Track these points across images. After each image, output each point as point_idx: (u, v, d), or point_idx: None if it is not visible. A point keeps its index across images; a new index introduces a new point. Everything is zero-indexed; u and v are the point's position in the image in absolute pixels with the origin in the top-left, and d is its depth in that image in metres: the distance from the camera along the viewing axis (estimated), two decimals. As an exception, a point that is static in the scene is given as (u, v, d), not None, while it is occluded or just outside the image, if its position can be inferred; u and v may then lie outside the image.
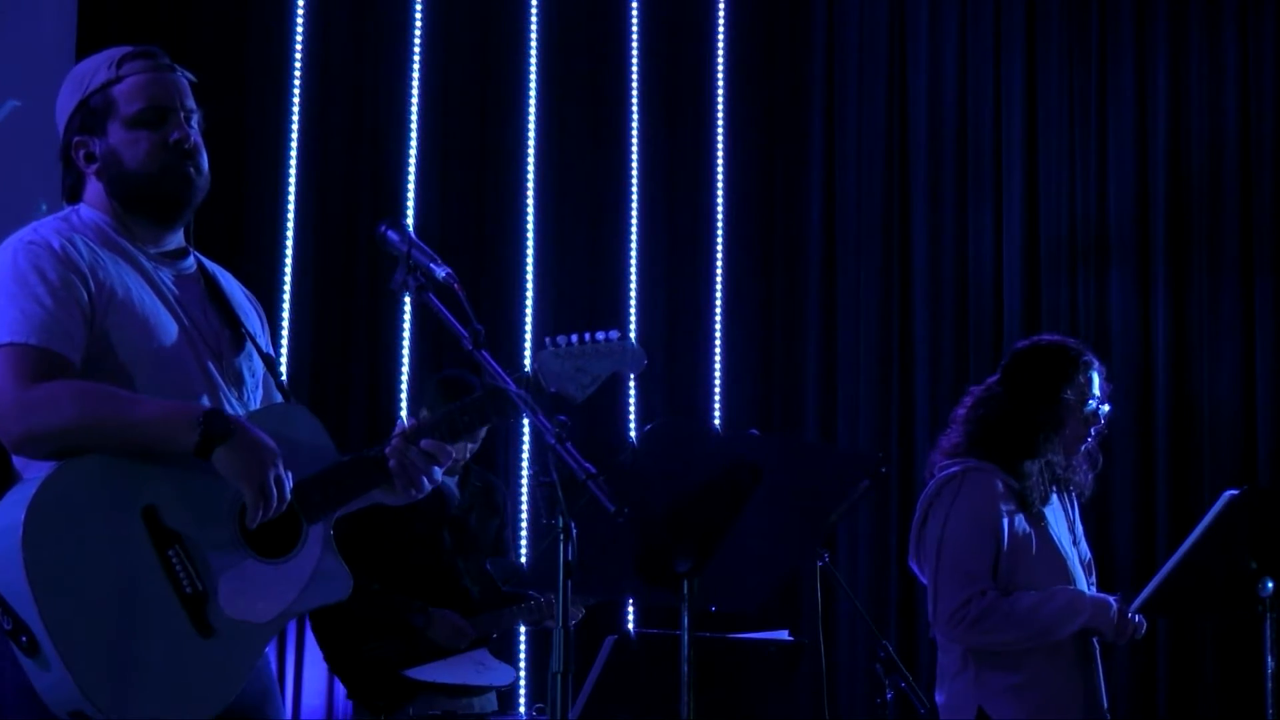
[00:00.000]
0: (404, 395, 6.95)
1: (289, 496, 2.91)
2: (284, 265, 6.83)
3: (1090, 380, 4.41)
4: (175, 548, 2.84)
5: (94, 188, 3.08)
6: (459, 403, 3.10)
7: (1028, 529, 4.31)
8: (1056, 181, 7.47)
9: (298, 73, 6.96)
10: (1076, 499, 4.51)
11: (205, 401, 2.97)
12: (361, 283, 7.03)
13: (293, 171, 6.92)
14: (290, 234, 6.87)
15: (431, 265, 3.04)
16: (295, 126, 6.94)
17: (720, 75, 7.90)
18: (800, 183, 7.94)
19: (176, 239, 3.13)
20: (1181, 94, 7.33)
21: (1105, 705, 4.39)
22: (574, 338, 3.28)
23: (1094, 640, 4.37)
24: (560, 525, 2.84)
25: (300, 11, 6.98)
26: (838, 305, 7.80)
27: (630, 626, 7.09)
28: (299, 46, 6.97)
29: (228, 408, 3.00)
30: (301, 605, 2.99)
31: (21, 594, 2.72)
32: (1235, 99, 7.23)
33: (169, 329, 3.00)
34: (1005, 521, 4.28)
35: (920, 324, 7.62)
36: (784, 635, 4.69)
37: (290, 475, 2.91)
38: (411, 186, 7.20)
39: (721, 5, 7.93)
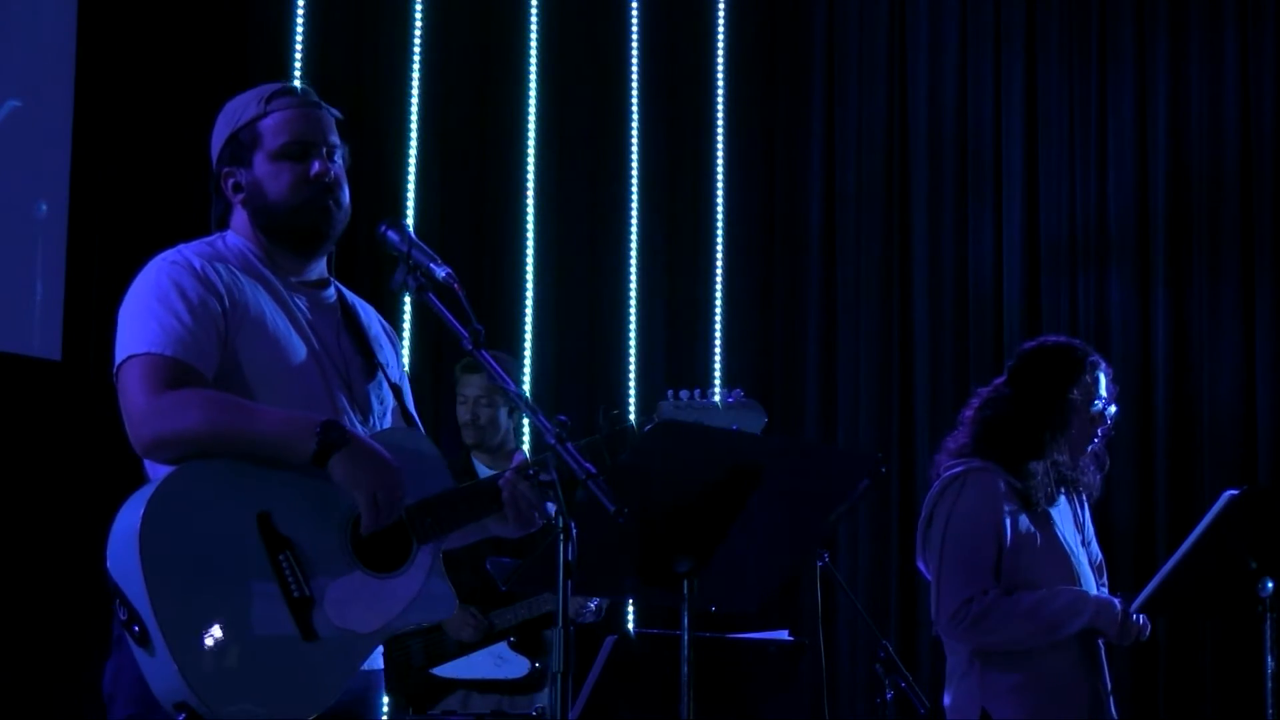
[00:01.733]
0: (404, 395, 6.95)
1: (402, 509, 3.00)
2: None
3: (1096, 381, 4.42)
4: (286, 553, 2.93)
5: (240, 216, 3.22)
6: (578, 442, 3.12)
7: (1032, 529, 4.31)
8: (1056, 181, 7.47)
9: (298, 73, 6.96)
10: (1085, 500, 4.51)
11: None
12: (361, 283, 7.01)
13: (293, 171, 6.91)
14: (290, 234, 6.86)
15: (431, 265, 3.08)
16: (295, 126, 6.93)
17: (720, 75, 7.90)
18: (800, 181, 7.94)
19: (319, 269, 3.28)
20: (1181, 94, 7.33)
21: (1112, 707, 4.39)
22: (696, 393, 3.32)
23: (1099, 642, 4.37)
24: (560, 525, 2.85)
25: (300, 11, 6.98)
26: (838, 305, 7.80)
27: (630, 626, 7.09)
28: (299, 46, 6.97)
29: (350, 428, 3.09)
30: (404, 621, 3.06)
31: (137, 586, 2.82)
32: (1235, 99, 7.23)
33: (298, 351, 3.12)
34: (1008, 521, 4.28)
35: (920, 324, 7.62)
36: (784, 635, 4.69)
37: (405, 492, 2.99)
38: (411, 186, 7.20)
39: (721, 5, 7.93)
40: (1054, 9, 7.54)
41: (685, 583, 3.26)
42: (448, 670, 5.40)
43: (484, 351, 3.02)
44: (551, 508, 3.13)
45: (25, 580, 6.03)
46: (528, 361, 7.33)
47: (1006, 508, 4.29)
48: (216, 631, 2.85)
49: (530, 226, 7.42)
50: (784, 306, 7.89)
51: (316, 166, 3.19)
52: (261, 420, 2.96)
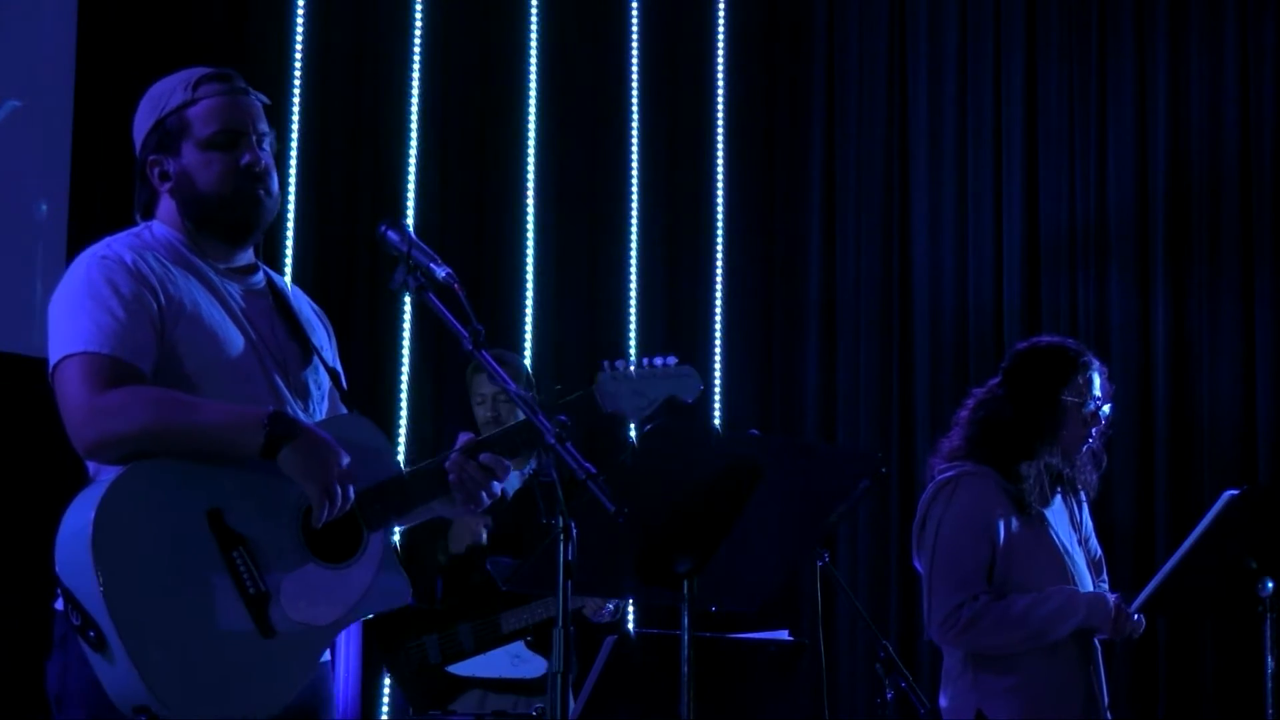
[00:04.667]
0: (404, 395, 6.95)
1: (352, 497, 2.97)
2: (284, 265, 6.83)
3: (1090, 381, 4.41)
4: (239, 549, 2.91)
5: (167, 205, 3.17)
6: (521, 420, 3.13)
7: (1024, 532, 4.31)
8: (1056, 180, 7.47)
9: (298, 73, 6.96)
10: (1085, 497, 4.50)
11: (271, 408, 3.02)
12: (361, 283, 7.03)
13: (293, 171, 6.92)
14: (290, 234, 6.87)
15: (431, 265, 3.07)
16: (295, 126, 6.94)
17: (720, 76, 7.89)
18: (800, 183, 7.93)
19: (247, 256, 3.22)
20: (1181, 94, 7.33)
21: (1106, 704, 4.39)
22: (632, 362, 3.33)
23: (1094, 639, 4.37)
24: (560, 525, 2.85)
25: (300, 11, 6.98)
26: (838, 305, 7.80)
27: (630, 626, 7.09)
28: (299, 46, 6.97)
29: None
30: (361, 611, 3.06)
31: (90, 591, 2.80)
32: (1235, 99, 7.23)
33: (235, 341, 3.08)
34: (1000, 525, 4.28)
35: (920, 324, 7.62)
36: (784, 635, 4.69)
37: (354, 477, 2.97)
38: (411, 186, 7.20)
39: (721, 6, 7.93)
40: (1054, 9, 7.54)
41: (685, 583, 3.26)
42: (464, 669, 5.40)
43: (484, 352, 3.02)
44: (498, 487, 3.14)
45: (25, 580, 6.02)
46: (528, 361, 7.33)
47: (999, 511, 4.29)
48: (174, 634, 2.83)
49: (530, 226, 7.42)
50: (784, 306, 7.89)
51: (247, 157, 3.11)
52: (207, 416, 2.93)
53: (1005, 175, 7.54)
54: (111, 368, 2.94)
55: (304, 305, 3.30)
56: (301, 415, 3.11)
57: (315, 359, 3.20)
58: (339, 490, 2.94)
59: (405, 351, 7.01)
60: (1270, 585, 4.19)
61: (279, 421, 2.93)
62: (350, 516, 3.00)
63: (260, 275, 3.24)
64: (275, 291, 3.23)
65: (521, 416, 5.75)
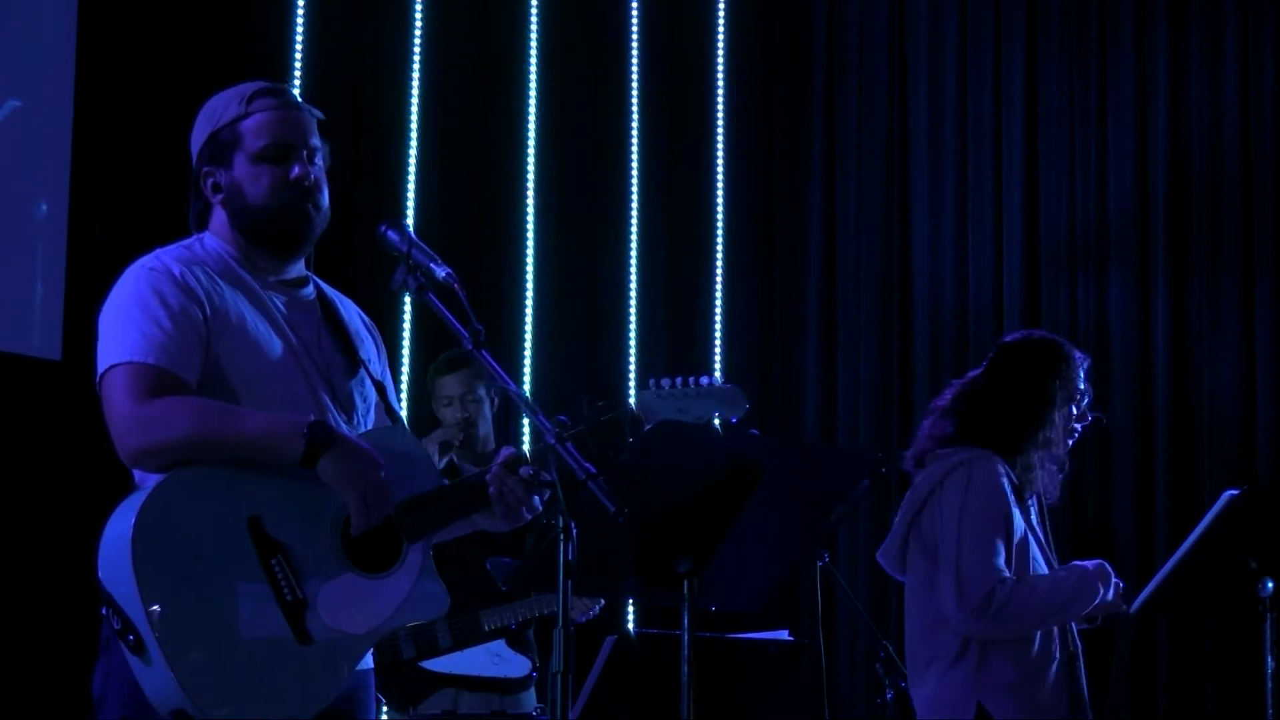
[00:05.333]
0: (404, 395, 6.95)
1: (391, 506, 3.00)
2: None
3: (1078, 376, 4.42)
4: (278, 557, 2.94)
5: (219, 217, 3.21)
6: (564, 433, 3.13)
7: (1023, 521, 4.33)
8: (1056, 181, 7.47)
9: (298, 73, 6.96)
10: (1041, 502, 4.50)
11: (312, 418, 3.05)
12: (362, 283, 7.02)
13: (293, 171, 6.91)
14: (290, 234, 6.86)
15: (431, 265, 3.08)
16: (295, 126, 6.93)
17: (720, 76, 7.89)
18: (800, 183, 7.94)
19: (297, 268, 3.25)
20: (1181, 94, 7.33)
21: (1086, 698, 4.39)
22: (677, 381, 3.36)
23: (1074, 631, 4.37)
24: (560, 525, 2.85)
25: (300, 11, 6.98)
26: (838, 305, 7.80)
27: (630, 626, 7.09)
28: (299, 46, 6.97)
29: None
30: (397, 621, 3.08)
31: (130, 595, 2.83)
32: (1235, 99, 7.23)
33: (279, 354, 3.11)
34: (1014, 510, 4.28)
35: (920, 324, 7.62)
36: (784, 635, 4.69)
37: (393, 491, 3.00)
38: (411, 186, 7.20)
39: (722, 6, 7.93)
40: (1054, 9, 7.54)
41: (685, 583, 3.26)
42: (440, 665, 5.37)
43: (484, 352, 3.02)
44: (539, 502, 3.15)
45: (26, 581, 6.03)
46: (528, 360, 7.33)
47: (1012, 497, 4.29)
48: (211, 639, 2.86)
49: (530, 226, 7.42)
50: (784, 306, 7.89)
51: (296, 170, 3.15)
52: (248, 424, 2.96)
53: (1005, 175, 7.54)
54: (156, 377, 2.97)
55: (354, 317, 3.32)
56: (345, 426, 3.13)
57: (362, 371, 3.23)
58: (377, 500, 2.97)
59: (405, 351, 7.01)
60: (1270, 585, 4.19)
61: (319, 430, 2.96)
62: (390, 527, 3.03)
63: (310, 287, 3.26)
64: (325, 303, 3.26)
65: (489, 415, 5.76)
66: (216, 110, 3.21)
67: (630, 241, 7.64)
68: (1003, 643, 4.25)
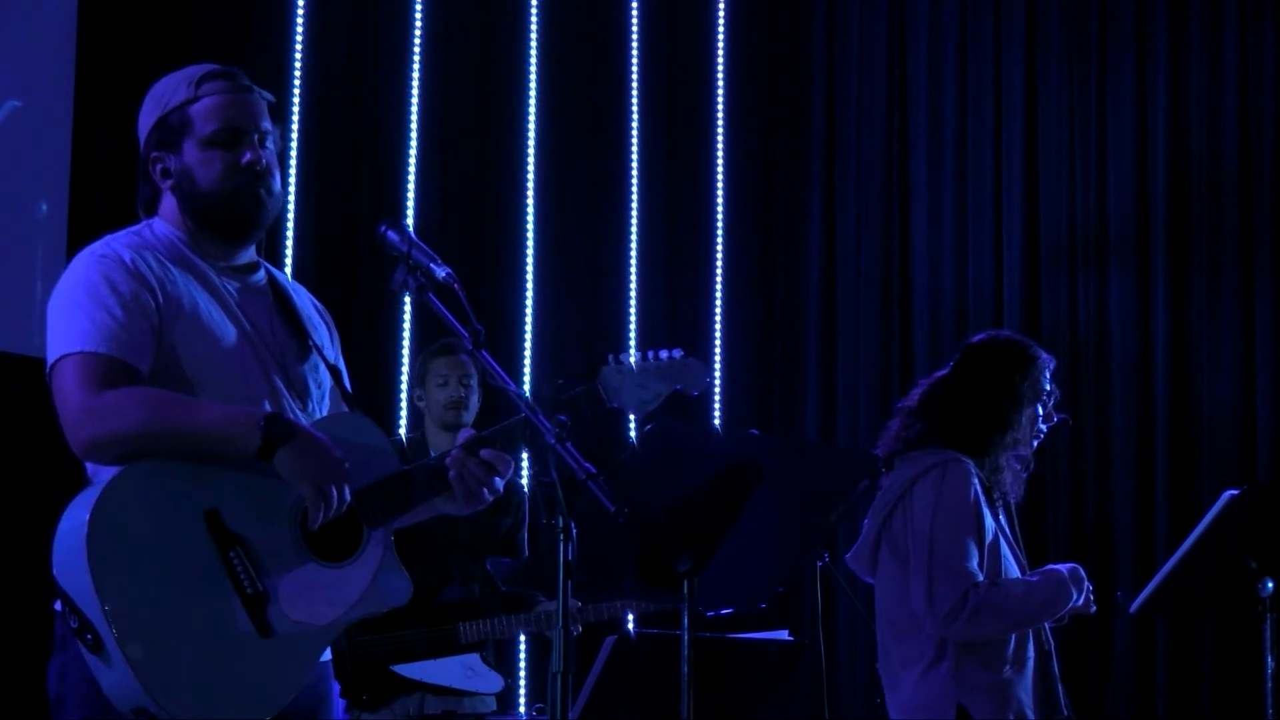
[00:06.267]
0: (404, 395, 6.95)
1: (349, 498, 2.95)
2: (284, 265, 6.83)
3: (1044, 376, 4.42)
4: (237, 549, 2.90)
5: (169, 203, 3.15)
6: (520, 415, 3.11)
7: (993, 522, 4.33)
8: (1056, 181, 7.47)
9: (298, 73, 6.96)
10: (1008, 502, 4.50)
11: (268, 408, 3.02)
12: (361, 283, 7.03)
13: (293, 171, 6.92)
14: (290, 234, 6.87)
15: (431, 265, 3.06)
16: (295, 126, 6.94)
17: (720, 75, 7.90)
18: (800, 182, 7.94)
19: (248, 254, 3.20)
20: (1181, 94, 7.33)
21: (1061, 696, 4.39)
22: (637, 355, 3.30)
23: (1047, 631, 4.37)
24: (560, 525, 2.85)
25: (300, 12, 6.98)
26: (837, 305, 7.80)
27: (630, 626, 7.09)
28: (299, 46, 6.97)
29: (291, 417, 3.05)
30: (360, 610, 3.03)
31: (87, 594, 2.78)
32: (1235, 99, 7.23)
33: (233, 340, 3.07)
34: (986, 512, 4.28)
35: (920, 324, 7.62)
36: (784, 635, 4.69)
37: (352, 480, 2.96)
38: (411, 186, 7.20)
39: (722, 6, 7.93)
40: (1054, 9, 7.54)
41: (685, 583, 3.26)
42: (412, 671, 5.34)
43: (484, 352, 3.02)
44: (500, 484, 3.11)
45: (28, 581, 6.03)
46: (527, 359, 7.33)
47: (983, 500, 4.29)
48: (171, 635, 2.80)
49: (530, 225, 7.42)
50: (784, 307, 7.89)
51: (248, 155, 3.08)
52: (204, 417, 2.91)
53: (1005, 176, 7.54)
54: (109, 367, 2.92)
55: (306, 303, 3.28)
56: (300, 414, 3.09)
57: (315, 357, 3.19)
58: (335, 492, 2.92)
59: (405, 351, 7.00)
60: (1270, 585, 4.19)
61: (276, 423, 2.91)
62: (350, 515, 2.99)
63: (261, 273, 3.22)
64: (276, 289, 3.21)
65: (476, 405, 5.72)
66: (165, 94, 3.14)
67: (630, 241, 7.64)
68: (978, 645, 4.25)
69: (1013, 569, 4.33)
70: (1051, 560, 7.13)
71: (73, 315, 2.97)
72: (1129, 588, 4.50)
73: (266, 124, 3.15)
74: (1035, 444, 4.42)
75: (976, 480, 4.29)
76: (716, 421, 7.63)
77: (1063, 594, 4.26)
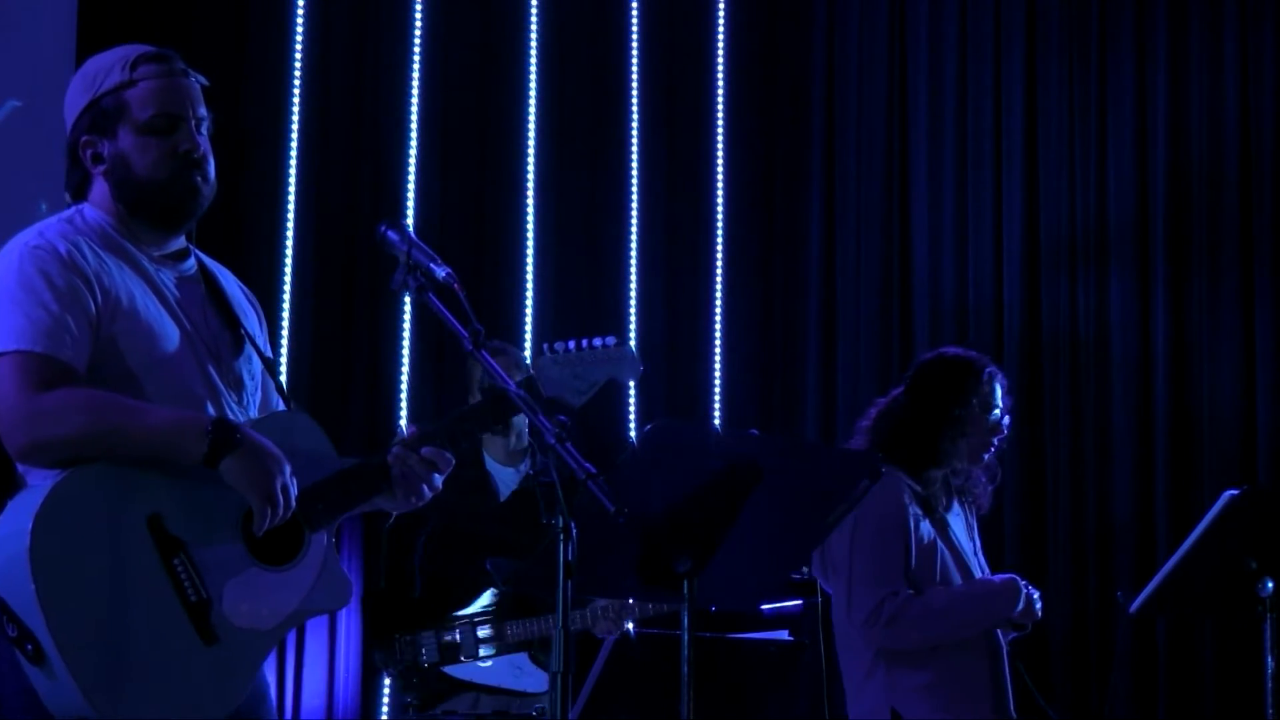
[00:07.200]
0: (404, 395, 6.95)
1: (294, 505, 2.92)
2: (284, 265, 6.83)
3: (994, 391, 4.50)
4: (180, 556, 2.85)
5: (100, 188, 3.08)
6: (459, 410, 3.12)
7: (933, 533, 4.37)
8: (1056, 181, 7.47)
9: (298, 73, 6.96)
10: (975, 512, 4.56)
11: (210, 409, 2.99)
12: (361, 283, 7.03)
13: (293, 171, 6.92)
14: (290, 234, 6.87)
15: (431, 265, 3.04)
16: (295, 126, 6.94)
17: (720, 75, 7.89)
18: (800, 183, 7.93)
19: (179, 241, 3.14)
20: (1181, 94, 7.33)
21: (1011, 698, 4.42)
22: (571, 344, 3.31)
23: (998, 634, 4.40)
24: (560, 525, 2.84)
25: (300, 11, 6.98)
26: (838, 305, 7.80)
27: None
28: (299, 46, 6.97)
29: (228, 412, 3.02)
30: (304, 613, 3.01)
31: (27, 602, 2.73)
32: (1235, 99, 7.23)
33: (171, 335, 3.01)
34: (913, 524, 4.33)
35: (920, 324, 7.62)
36: (784, 635, 4.69)
37: (295, 483, 2.92)
38: (411, 186, 7.20)
39: (721, 5, 7.93)
40: (1054, 9, 7.54)
41: (685, 583, 3.26)
42: (461, 672, 5.37)
43: (484, 352, 3.01)
44: (439, 480, 3.09)
45: None
46: (527, 359, 7.32)
47: (911, 510, 4.34)
48: (115, 644, 2.76)
49: (530, 225, 7.42)
50: (784, 306, 7.89)
51: (185, 144, 3.02)
52: (147, 421, 2.85)
53: (1005, 176, 7.54)
54: (46, 367, 2.85)
55: (235, 290, 3.21)
56: (235, 409, 3.05)
57: (249, 348, 3.13)
58: (281, 499, 2.88)
59: (405, 351, 7.00)
60: (1270, 585, 4.19)
61: (222, 430, 2.86)
62: (291, 518, 2.95)
63: (192, 260, 3.15)
64: (207, 277, 3.15)
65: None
66: (97, 76, 3.05)
67: (630, 241, 7.64)
68: (909, 650, 4.27)
69: (954, 577, 4.36)
70: (1050, 561, 7.17)
71: (8, 312, 2.89)
72: (1129, 588, 4.51)
73: (203, 110, 3.07)
74: (989, 454, 4.49)
75: (908, 492, 4.34)
76: (716, 421, 7.63)
77: (995, 605, 4.33)
